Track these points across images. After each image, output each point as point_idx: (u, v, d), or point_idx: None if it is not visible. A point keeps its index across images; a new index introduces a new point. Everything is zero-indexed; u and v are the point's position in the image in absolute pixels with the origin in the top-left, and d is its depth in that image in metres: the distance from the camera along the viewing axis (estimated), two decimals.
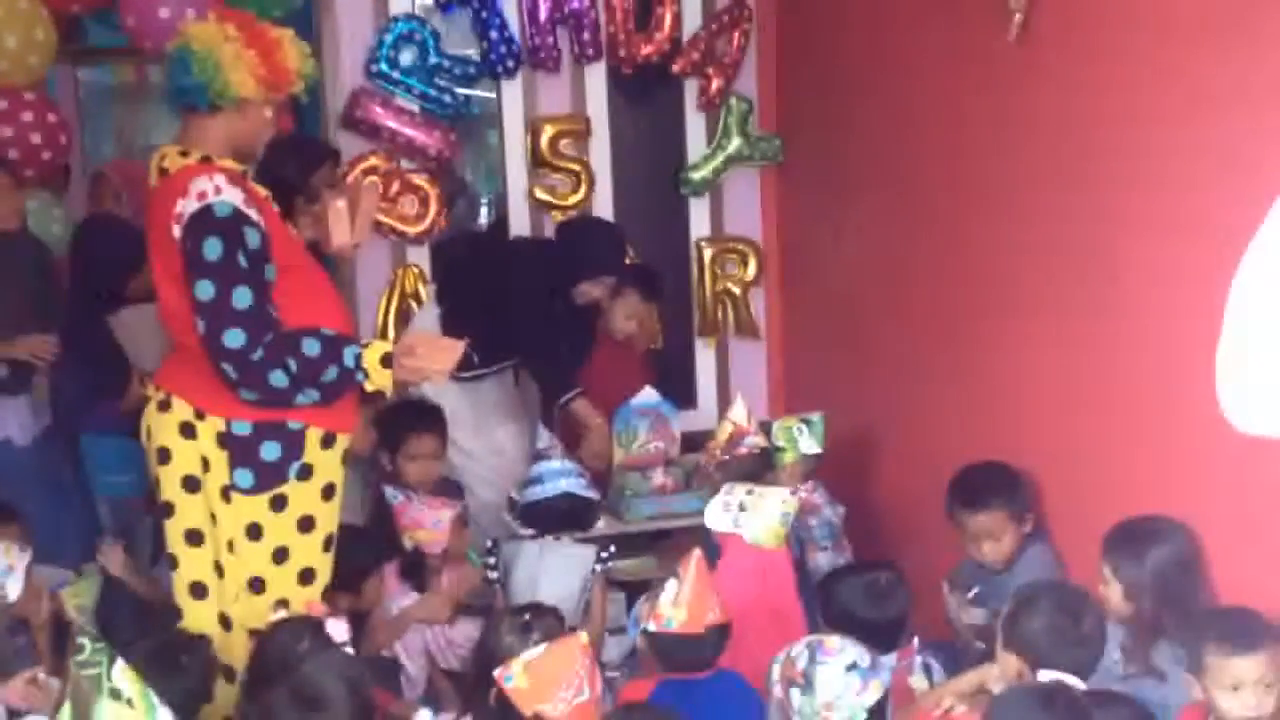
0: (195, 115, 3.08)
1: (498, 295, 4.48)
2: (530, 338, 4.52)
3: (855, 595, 3.29)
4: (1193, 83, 2.98)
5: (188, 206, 2.96)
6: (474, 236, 5.12)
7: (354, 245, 3.45)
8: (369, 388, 3.13)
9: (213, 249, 2.94)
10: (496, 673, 2.68)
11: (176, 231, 2.97)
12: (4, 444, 4.30)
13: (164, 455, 3.12)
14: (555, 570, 3.81)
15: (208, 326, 2.96)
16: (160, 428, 3.12)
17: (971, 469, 3.65)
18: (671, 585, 3.12)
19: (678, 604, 3.08)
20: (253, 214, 3.02)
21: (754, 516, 3.52)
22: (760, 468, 4.18)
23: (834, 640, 2.77)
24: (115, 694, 1.94)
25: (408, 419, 4.16)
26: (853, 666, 2.71)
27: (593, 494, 4.00)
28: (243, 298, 2.97)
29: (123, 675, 1.97)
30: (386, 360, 3.10)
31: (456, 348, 3.21)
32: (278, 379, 3.01)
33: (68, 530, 4.31)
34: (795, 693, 2.73)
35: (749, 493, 3.60)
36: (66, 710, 1.98)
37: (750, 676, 3.09)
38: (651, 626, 3.10)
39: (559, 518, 3.91)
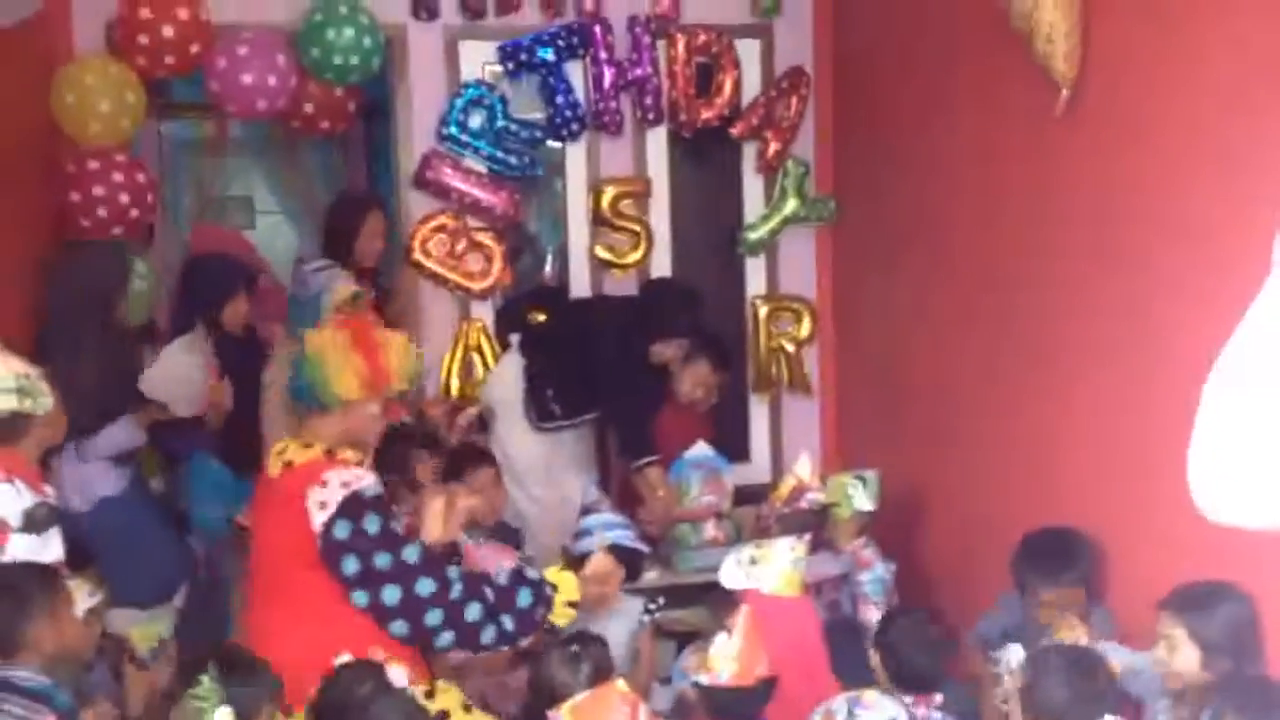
0: (311, 413, 3.34)
1: (581, 350, 4.66)
2: (616, 396, 4.72)
3: (911, 636, 3.33)
4: (1227, 150, 3.08)
5: (332, 495, 3.20)
6: (552, 291, 5.29)
7: (446, 541, 3.63)
8: (556, 605, 3.39)
9: (373, 523, 3.21)
10: (550, 713, 2.78)
11: (319, 519, 3.19)
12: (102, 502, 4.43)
13: None
14: (604, 620, 3.92)
15: (400, 590, 3.20)
16: None
17: (1046, 534, 3.66)
18: (722, 639, 3.20)
19: (729, 657, 3.15)
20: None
21: (765, 568, 3.59)
22: (819, 524, 4.28)
23: (871, 694, 2.86)
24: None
25: (467, 457, 4.33)
26: None
27: (640, 545, 4.10)
28: (412, 553, 3.25)
29: (225, 714, 2.35)
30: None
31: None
32: (473, 612, 3.26)
33: (159, 568, 4.43)
34: None
35: (757, 546, 3.70)
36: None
37: None
38: (703, 679, 3.17)
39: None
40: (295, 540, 3.24)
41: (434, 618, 3.22)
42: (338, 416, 3.32)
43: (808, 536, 3.77)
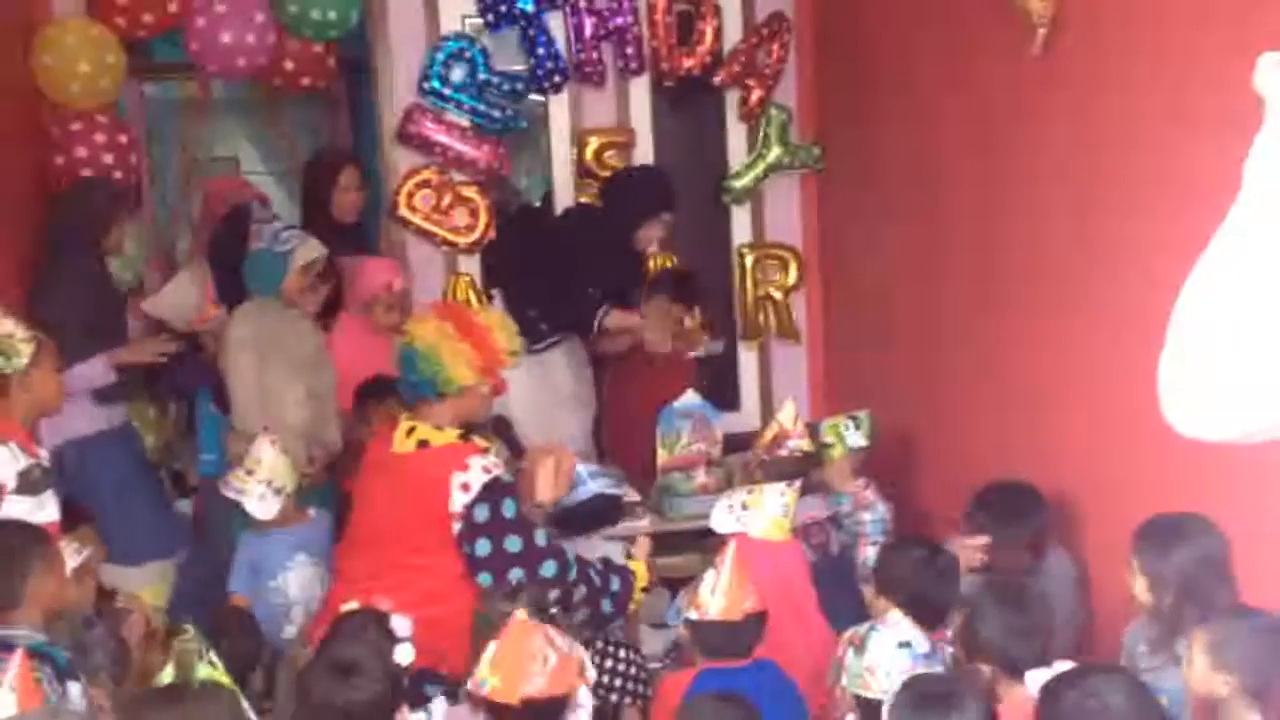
0: (425, 401, 3.49)
1: (556, 262, 4.71)
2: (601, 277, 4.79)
3: (915, 566, 3.33)
4: (1214, 85, 3.08)
5: (475, 479, 3.39)
6: (520, 213, 5.33)
7: (553, 500, 3.77)
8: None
9: (509, 508, 3.42)
10: (469, 685, 2.78)
11: (460, 500, 3.37)
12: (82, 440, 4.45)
13: None
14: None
15: (525, 572, 3.38)
16: None
17: (1001, 486, 3.71)
18: (710, 575, 3.25)
19: (716, 592, 3.20)
20: None
21: (755, 513, 3.65)
22: (802, 470, 4.31)
23: (895, 614, 2.92)
24: (211, 664, 2.48)
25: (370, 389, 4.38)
26: (905, 644, 2.83)
27: (620, 491, 4.14)
28: (540, 536, 3.47)
29: (211, 653, 2.51)
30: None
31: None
32: (579, 594, 3.47)
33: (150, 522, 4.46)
34: (851, 653, 2.90)
35: (749, 492, 3.76)
36: (169, 672, 2.46)
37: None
38: (693, 615, 3.23)
39: (585, 518, 4.02)
40: (425, 517, 3.40)
41: (550, 598, 3.40)
42: (451, 402, 3.48)
43: (797, 483, 3.81)
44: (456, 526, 3.38)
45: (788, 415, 4.44)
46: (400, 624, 2.99)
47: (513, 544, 3.40)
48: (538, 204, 5.57)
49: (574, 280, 4.77)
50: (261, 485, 3.95)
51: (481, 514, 3.38)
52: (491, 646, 2.80)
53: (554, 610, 3.23)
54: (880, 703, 2.76)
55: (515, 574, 3.36)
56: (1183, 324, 1.54)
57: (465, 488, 3.38)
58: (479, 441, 3.50)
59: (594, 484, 4.02)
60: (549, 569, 3.41)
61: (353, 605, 3.15)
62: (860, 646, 2.87)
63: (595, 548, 4.03)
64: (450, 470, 3.39)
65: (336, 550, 3.76)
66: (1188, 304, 1.54)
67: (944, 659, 3.05)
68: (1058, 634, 3.00)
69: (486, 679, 2.75)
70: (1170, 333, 1.56)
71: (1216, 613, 2.75)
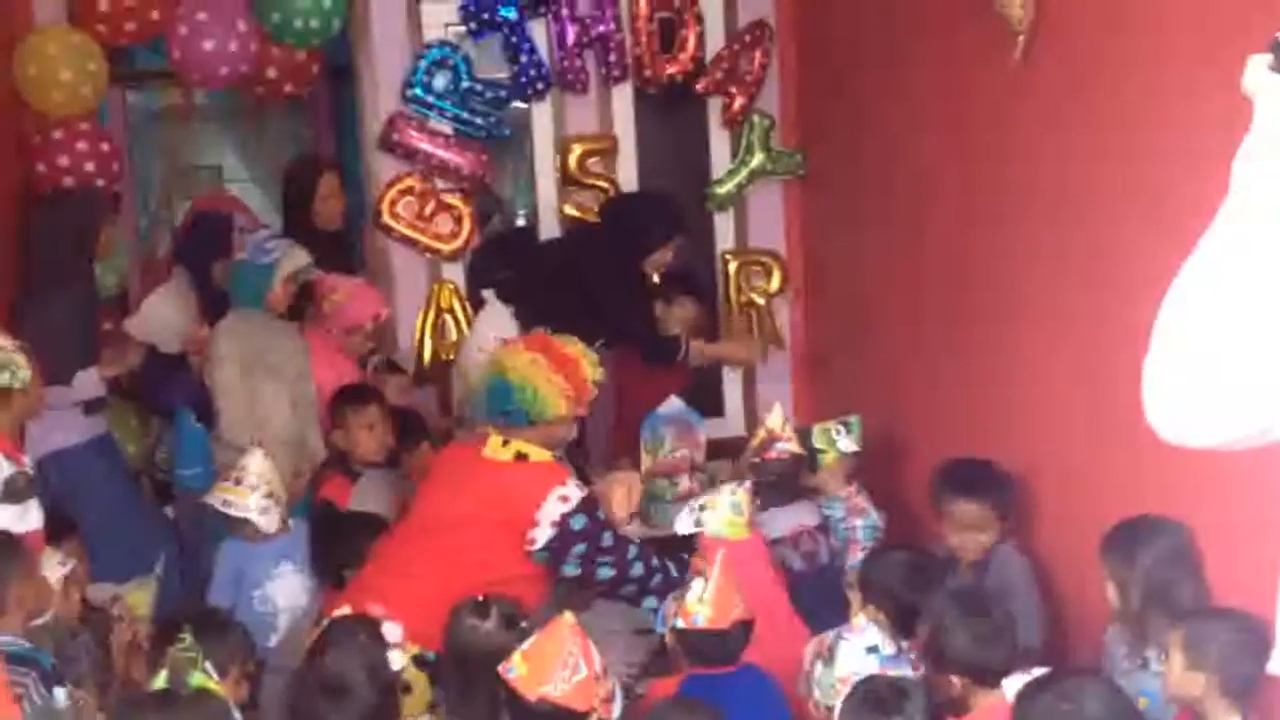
0: (515, 427, 3.60)
1: (569, 285, 4.74)
2: (623, 317, 4.85)
3: (899, 573, 3.35)
4: (1188, 93, 3.11)
5: (572, 493, 3.56)
6: (519, 233, 5.35)
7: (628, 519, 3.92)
8: None
9: (601, 515, 3.64)
10: (500, 667, 2.80)
11: (558, 510, 3.52)
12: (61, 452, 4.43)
13: None
14: None
15: (615, 571, 3.63)
16: None
17: (964, 460, 3.80)
18: (698, 584, 3.26)
19: (704, 601, 3.21)
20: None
21: (710, 513, 3.71)
22: (791, 472, 4.34)
23: (860, 621, 2.93)
24: (205, 672, 2.50)
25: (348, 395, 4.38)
26: (874, 649, 2.85)
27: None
28: (634, 550, 3.67)
29: (206, 662, 2.54)
30: None
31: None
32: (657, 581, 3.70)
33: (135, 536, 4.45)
34: (819, 665, 2.91)
35: (706, 494, 3.84)
36: (162, 678, 2.48)
37: None
38: (680, 623, 3.23)
39: None
40: (508, 520, 3.52)
41: (628, 589, 3.70)
42: (541, 429, 3.61)
43: (748, 482, 3.88)
44: (546, 535, 3.52)
45: (776, 419, 4.45)
46: (391, 630, 2.99)
47: (607, 540, 3.60)
48: (523, 227, 5.58)
49: (588, 302, 4.79)
50: (261, 497, 3.94)
51: (579, 523, 3.54)
52: (533, 637, 2.84)
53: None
54: None
55: (604, 572, 3.60)
56: (1167, 327, 1.53)
57: (564, 499, 3.54)
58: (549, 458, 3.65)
59: None
60: (637, 569, 3.64)
61: (344, 611, 3.15)
62: (829, 658, 2.87)
63: None
64: (551, 485, 3.56)
65: (383, 539, 3.79)
66: (1173, 306, 1.54)
67: (910, 660, 3.06)
68: (1020, 630, 3.02)
69: (516, 666, 2.78)
70: (1155, 336, 1.56)
71: (1192, 613, 2.77)
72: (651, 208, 5.04)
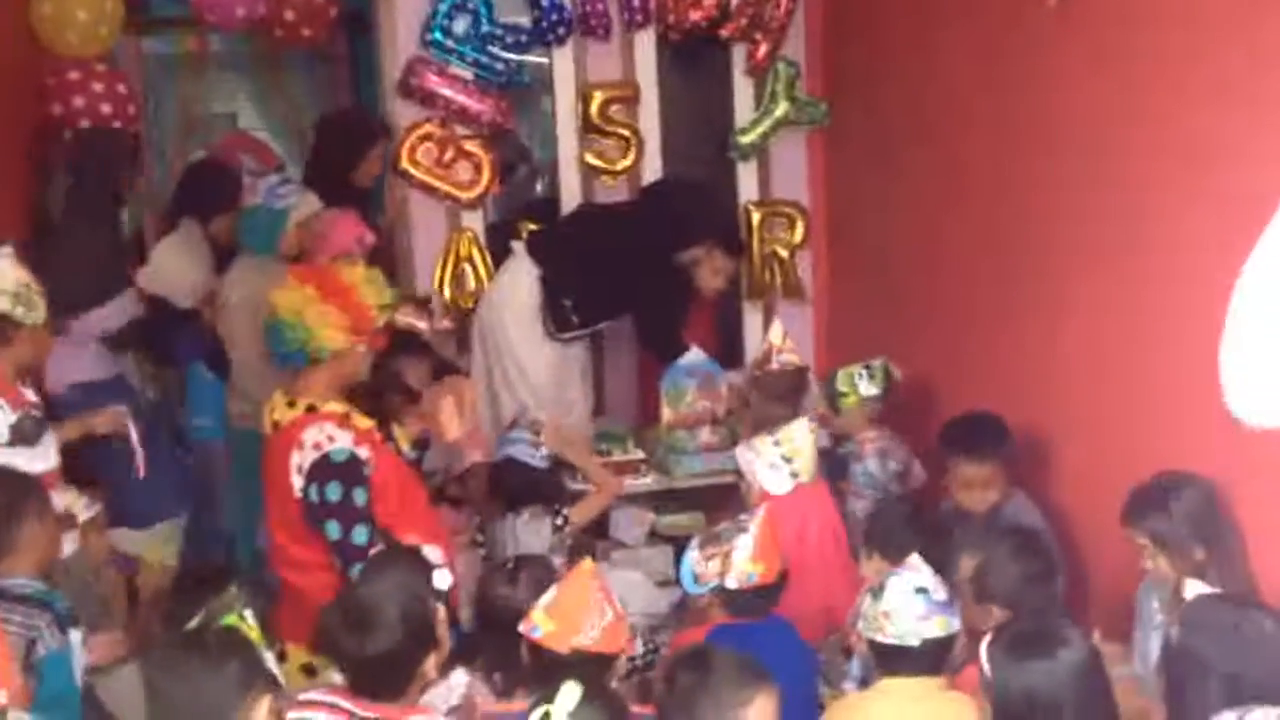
0: (300, 369, 3.33)
1: (603, 260, 4.67)
2: (652, 304, 4.79)
3: (902, 523, 3.40)
4: (1222, 55, 3.04)
5: (305, 458, 3.24)
6: (544, 204, 5.29)
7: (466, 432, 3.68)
8: None
9: (334, 491, 3.23)
10: (521, 628, 2.77)
11: (297, 482, 3.24)
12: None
13: None
14: (513, 536, 3.90)
15: (342, 562, 3.24)
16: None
17: (963, 419, 3.80)
18: (745, 542, 3.22)
19: (755, 560, 3.20)
20: (361, 452, 3.27)
21: (801, 461, 3.67)
22: (793, 385, 4.37)
23: (916, 559, 2.87)
24: (241, 616, 2.43)
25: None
26: (922, 590, 2.79)
27: (534, 462, 3.99)
28: (360, 535, 3.23)
29: (248, 611, 2.47)
30: None
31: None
32: None
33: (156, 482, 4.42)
34: (869, 597, 2.86)
35: (776, 443, 3.73)
36: (197, 620, 2.47)
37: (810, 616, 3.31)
38: (733, 584, 3.21)
39: (516, 490, 3.97)
40: (283, 501, 3.30)
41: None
42: (329, 365, 3.33)
43: (810, 420, 3.85)
44: (301, 509, 3.28)
45: (776, 333, 4.51)
46: (432, 553, 2.96)
47: (331, 530, 3.26)
48: (541, 192, 5.51)
49: (616, 285, 4.74)
50: None
51: (310, 492, 3.26)
52: (551, 591, 2.79)
53: None
54: (894, 647, 2.75)
55: (335, 562, 3.26)
56: (1240, 313, 1.49)
57: (298, 469, 3.26)
58: (331, 408, 3.33)
59: (510, 449, 3.96)
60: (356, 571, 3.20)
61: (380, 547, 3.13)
62: (878, 589, 2.84)
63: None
64: (290, 450, 3.28)
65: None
66: (1244, 294, 1.50)
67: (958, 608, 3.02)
68: None
69: (540, 624, 2.74)
70: (1229, 322, 1.51)
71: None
72: (698, 200, 5.01)
